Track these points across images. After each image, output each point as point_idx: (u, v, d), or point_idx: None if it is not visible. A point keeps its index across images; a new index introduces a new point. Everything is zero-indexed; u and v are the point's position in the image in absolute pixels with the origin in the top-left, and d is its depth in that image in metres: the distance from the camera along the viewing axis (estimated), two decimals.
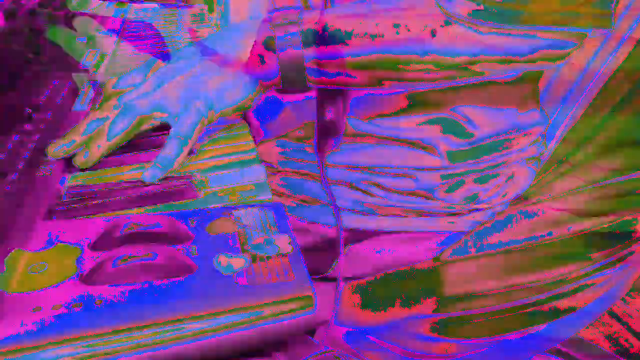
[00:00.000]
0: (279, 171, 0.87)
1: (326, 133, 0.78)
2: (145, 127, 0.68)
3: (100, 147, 0.66)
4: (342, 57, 0.69)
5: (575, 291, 0.82)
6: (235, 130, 0.76)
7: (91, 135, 0.67)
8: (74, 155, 0.67)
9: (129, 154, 0.69)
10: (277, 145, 0.86)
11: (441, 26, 0.67)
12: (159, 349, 0.44)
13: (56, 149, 0.67)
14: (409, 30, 0.68)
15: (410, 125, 0.79)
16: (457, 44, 0.67)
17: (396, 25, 0.68)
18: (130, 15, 1.27)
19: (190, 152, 0.69)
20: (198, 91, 0.67)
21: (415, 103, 0.79)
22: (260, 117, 0.87)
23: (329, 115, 0.77)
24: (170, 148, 0.66)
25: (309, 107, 0.79)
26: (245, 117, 0.80)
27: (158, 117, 0.67)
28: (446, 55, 0.68)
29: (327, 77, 0.70)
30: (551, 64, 0.70)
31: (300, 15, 0.69)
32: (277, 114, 0.85)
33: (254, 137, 0.78)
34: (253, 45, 0.69)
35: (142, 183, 0.64)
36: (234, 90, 0.68)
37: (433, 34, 0.67)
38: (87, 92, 0.83)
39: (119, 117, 0.67)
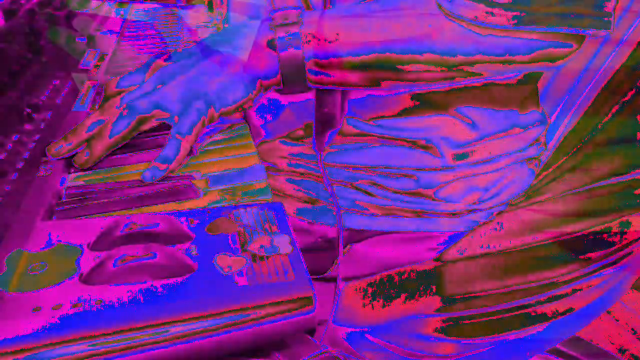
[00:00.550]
0: (279, 171, 0.87)
1: (323, 126, 0.78)
2: (145, 127, 0.68)
3: (101, 146, 0.66)
4: (342, 57, 0.69)
5: (574, 292, 0.82)
6: (235, 130, 0.76)
7: (91, 135, 0.67)
8: (74, 155, 0.67)
9: (129, 154, 0.69)
10: (277, 145, 0.86)
11: (440, 27, 0.67)
12: (158, 349, 0.44)
13: (56, 149, 0.67)
14: (408, 31, 0.68)
15: (411, 125, 0.79)
16: (456, 44, 0.67)
17: (395, 26, 0.68)
18: (130, 15, 1.27)
19: (191, 152, 0.69)
20: (198, 91, 0.67)
21: (417, 104, 0.79)
22: (261, 117, 0.87)
23: (327, 109, 0.77)
24: (170, 148, 0.66)
25: (309, 108, 0.79)
26: (245, 117, 0.80)
27: (158, 117, 0.67)
28: (445, 55, 0.68)
29: (326, 77, 0.70)
30: (551, 65, 0.70)
31: (301, 15, 0.69)
32: (277, 114, 0.85)
33: (254, 137, 0.78)
34: (253, 46, 0.69)
35: (142, 183, 0.64)
36: (234, 90, 0.68)
37: (432, 34, 0.67)
38: (87, 92, 0.83)
39: (119, 117, 0.67)
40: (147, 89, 0.68)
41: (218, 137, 0.74)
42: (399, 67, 0.69)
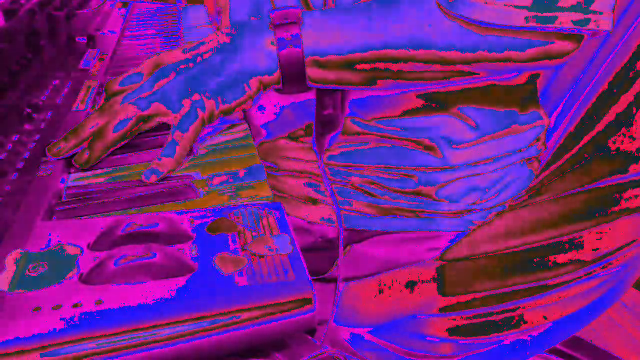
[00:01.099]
0: (279, 171, 0.87)
1: (324, 128, 0.79)
2: (145, 127, 0.68)
3: (101, 146, 0.66)
4: (341, 57, 0.69)
5: (574, 292, 0.82)
6: (235, 130, 0.76)
7: (92, 135, 0.67)
8: (74, 155, 0.67)
9: (129, 154, 0.69)
10: (278, 145, 0.86)
11: (440, 26, 0.67)
12: (158, 349, 0.44)
13: (56, 149, 0.67)
14: (407, 30, 0.68)
15: (412, 125, 0.80)
16: (455, 44, 0.67)
17: (395, 25, 0.68)
18: (131, 15, 1.27)
19: (191, 152, 0.69)
20: (198, 91, 0.67)
21: (418, 104, 0.79)
22: (261, 117, 0.87)
23: (327, 110, 0.77)
24: (170, 148, 0.66)
25: (309, 108, 0.79)
26: (245, 117, 0.80)
27: (158, 117, 0.67)
28: (444, 55, 0.68)
29: (326, 77, 0.70)
30: (550, 64, 0.70)
31: (301, 15, 0.69)
32: (278, 114, 0.85)
33: (254, 136, 0.78)
34: (253, 45, 0.69)
35: (142, 183, 0.64)
36: (233, 90, 0.68)
37: (432, 34, 0.67)
38: (87, 92, 0.83)
39: (119, 117, 0.67)
40: (147, 89, 0.68)
41: (218, 137, 0.74)
42: (398, 66, 0.69)
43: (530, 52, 0.68)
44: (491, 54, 0.68)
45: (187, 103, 0.67)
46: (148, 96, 0.67)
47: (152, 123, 0.68)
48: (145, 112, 0.67)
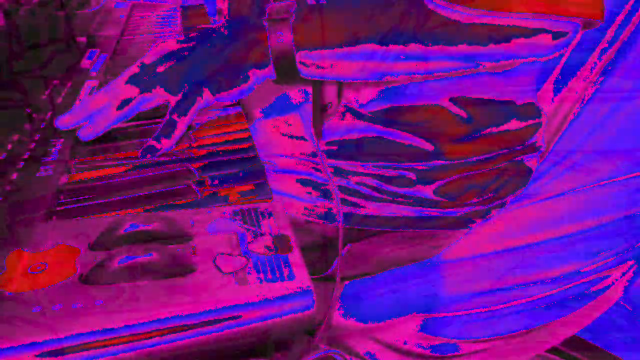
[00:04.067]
0: (279, 170, 0.87)
1: (320, 116, 0.80)
2: (146, 106, 0.72)
3: (103, 122, 0.71)
4: (331, 49, 0.71)
5: (574, 291, 0.82)
6: (234, 127, 0.76)
7: (96, 111, 0.71)
8: (74, 154, 0.69)
9: (128, 152, 0.69)
10: (274, 140, 0.86)
11: (427, 18, 0.68)
12: (158, 348, 0.44)
13: (64, 121, 0.72)
14: (395, 23, 0.69)
15: (410, 121, 0.80)
16: (443, 35, 0.68)
17: (384, 19, 0.69)
18: (131, 15, 1.27)
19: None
20: (196, 76, 0.71)
21: (416, 100, 0.79)
22: (256, 102, 0.87)
23: (323, 99, 0.79)
24: (167, 128, 0.69)
25: (305, 96, 0.81)
26: (240, 102, 0.81)
27: (158, 99, 0.72)
28: (433, 46, 0.69)
29: (317, 69, 0.73)
30: (546, 57, 0.71)
31: (293, 9, 0.71)
32: (273, 100, 0.86)
33: (248, 121, 0.79)
34: (248, 38, 0.71)
35: (142, 180, 0.64)
36: (229, 78, 0.71)
37: (418, 25, 0.69)
38: (87, 92, 0.83)
39: (122, 96, 0.71)
40: (149, 72, 0.72)
41: (219, 137, 0.74)
42: (388, 59, 0.70)
43: (519, 42, 0.68)
44: (479, 44, 0.69)
45: (185, 87, 0.71)
46: (150, 78, 0.72)
47: (153, 103, 0.72)
48: (147, 93, 0.71)
